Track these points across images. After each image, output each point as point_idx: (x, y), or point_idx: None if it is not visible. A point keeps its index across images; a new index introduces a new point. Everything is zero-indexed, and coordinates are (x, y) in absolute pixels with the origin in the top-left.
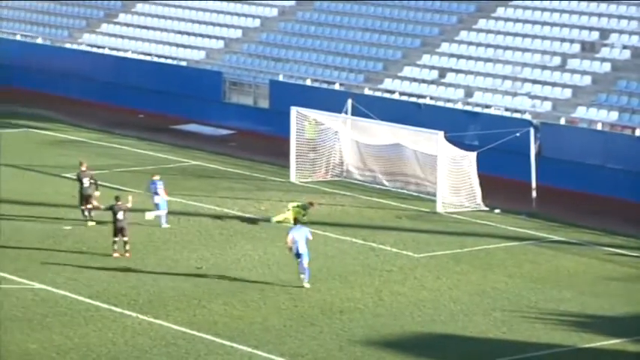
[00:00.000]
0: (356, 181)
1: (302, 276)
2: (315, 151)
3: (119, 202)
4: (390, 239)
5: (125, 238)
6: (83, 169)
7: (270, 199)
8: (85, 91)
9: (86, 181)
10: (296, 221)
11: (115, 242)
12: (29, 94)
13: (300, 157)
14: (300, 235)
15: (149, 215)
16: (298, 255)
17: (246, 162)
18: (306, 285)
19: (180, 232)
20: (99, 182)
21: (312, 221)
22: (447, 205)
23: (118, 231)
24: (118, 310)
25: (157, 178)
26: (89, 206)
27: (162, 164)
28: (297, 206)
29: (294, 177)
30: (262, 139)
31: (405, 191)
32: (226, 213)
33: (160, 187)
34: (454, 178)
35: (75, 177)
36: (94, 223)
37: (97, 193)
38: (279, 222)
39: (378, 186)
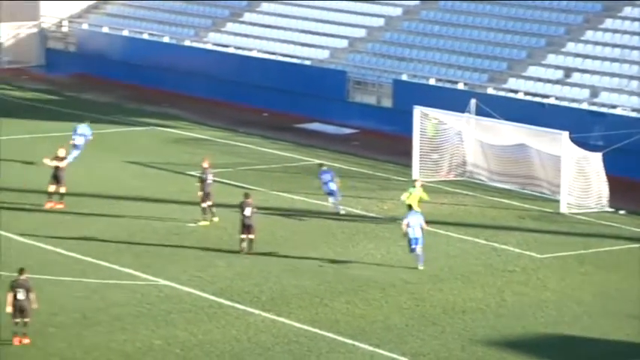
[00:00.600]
0: (478, 181)
1: (417, 263)
2: (438, 151)
3: (248, 199)
4: (512, 239)
5: (251, 236)
6: (205, 165)
7: (393, 199)
8: (210, 90)
9: (209, 178)
10: (410, 207)
11: (242, 240)
12: (155, 92)
13: (423, 156)
14: (415, 221)
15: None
16: (412, 240)
17: (369, 161)
18: (420, 267)
19: (303, 230)
20: (220, 180)
21: (433, 220)
22: (571, 206)
23: (245, 228)
24: (241, 307)
25: (325, 168)
26: (209, 203)
27: (286, 163)
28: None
29: (416, 176)
30: (385, 138)
31: (527, 191)
32: (349, 212)
33: (332, 176)
34: (578, 178)
35: (199, 174)
36: (217, 219)
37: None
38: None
39: (500, 186)
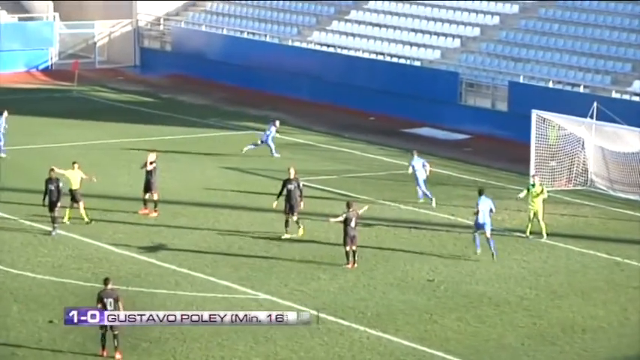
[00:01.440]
0: (600, 191)
1: (491, 250)
2: (556, 158)
3: (351, 209)
4: (636, 254)
5: (354, 247)
6: (292, 176)
7: (507, 209)
8: (313, 92)
9: (293, 188)
10: (480, 192)
11: (347, 253)
12: (256, 94)
13: (541, 163)
14: (484, 206)
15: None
16: (479, 225)
17: (482, 168)
18: (479, 251)
19: (411, 241)
20: (323, 188)
21: (552, 233)
22: None
23: (350, 240)
24: (345, 323)
25: (416, 154)
26: (295, 218)
27: (393, 170)
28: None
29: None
30: (500, 144)
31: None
32: (461, 222)
33: (424, 165)
34: None
35: (281, 184)
36: (301, 231)
37: (301, 205)
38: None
39: (624, 196)
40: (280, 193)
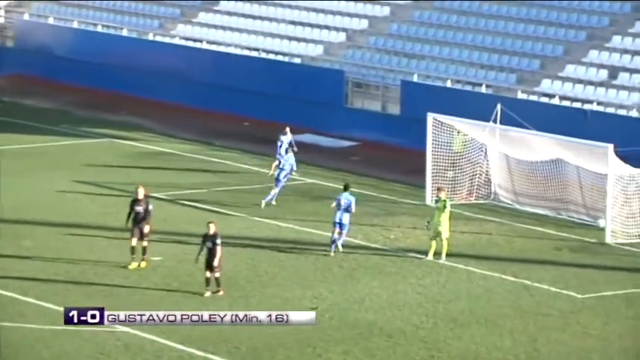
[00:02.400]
0: (506, 205)
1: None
2: (456, 167)
3: (212, 229)
4: (547, 276)
5: (217, 275)
6: (140, 196)
7: (401, 226)
8: (178, 94)
9: (140, 210)
10: (345, 188)
11: (207, 279)
12: (112, 97)
13: (438, 174)
14: (344, 202)
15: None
16: (336, 223)
17: (372, 180)
18: (333, 250)
19: (292, 264)
20: (190, 204)
21: (452, 253)
22: (619, 235)
23: (211, 263)
24: (217, 359)
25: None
26: (144, 244)
27: (271, 182)
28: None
29: (430, 199)
30: (392, 152)
31: (565, 217)
32: (348, 242)
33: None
34: (627, 202)
35: (129, 203)
36: (144, 264)
37: (146, 228)
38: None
39: (532, 210)
40: (129, 215)
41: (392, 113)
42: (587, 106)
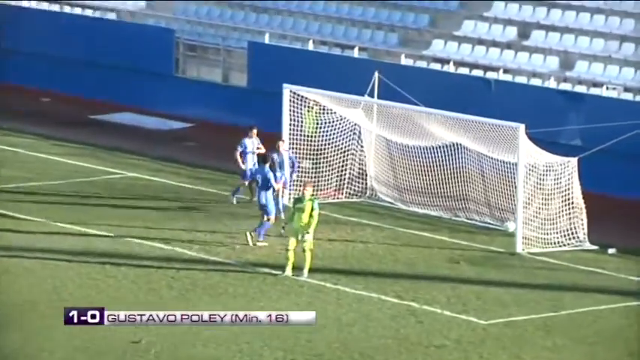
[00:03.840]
0: (386, 204)
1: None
2: (319, 156)
3: None
4: (440, 297)
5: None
6: None
7: (248, 231)
8: None
9: None
10: (264, 160)
11: None
12: None
13: (299, 164)
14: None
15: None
16: (262, 206)
17: (211, 172)
18: (251, 237)
19: (105, 284)
20: None
21: (317, 267)
22: (532, 243)
23: None
24: None
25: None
26: None
27: (77, 177)
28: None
29: (286, 197)
30: (237, 135)
31: (464, 220)
32: (180, 255)
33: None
34: (543, 199)
35: None
36: None
37: None
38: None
39: (421, 211)
40: None
41: (236, 85)
42: (490, 75)
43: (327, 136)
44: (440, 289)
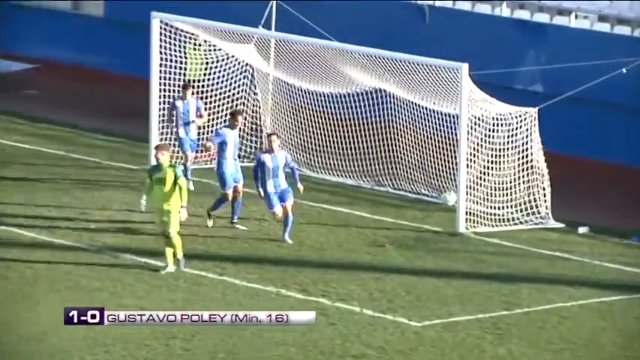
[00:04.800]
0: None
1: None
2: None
3: None
4: (360, 291)
5: None
6: None
7: (107, 208)
8: None
9: None
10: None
11: None
12: None
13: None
14: (280, 158)
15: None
16: (277, 194)
17: (56, 129)
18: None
19: None
20: None
21: (196, 254)
22: (479, 220)
23: None
24: None
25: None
26: None
27: None
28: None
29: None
30: (89, 80)
31: (390, 190)
32: (16, 237)
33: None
34: (493, 162)
35: None
36: None
37: None
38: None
39: (335, 180)
40: None
41: (88, 14)
42: (425, 1)
43: (209, 80)
44: (359, 281)
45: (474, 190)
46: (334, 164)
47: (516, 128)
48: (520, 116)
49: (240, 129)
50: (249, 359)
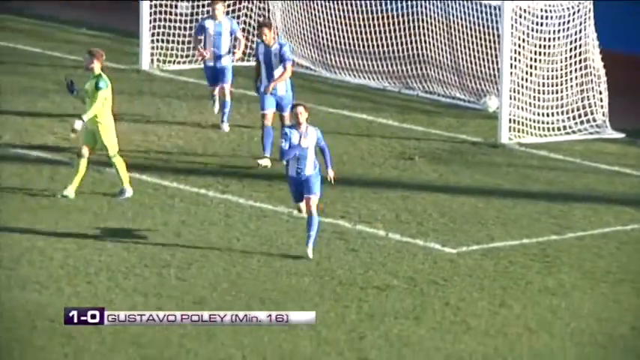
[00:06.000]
0: (301, 69)
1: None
2: None
3: None
4: (385, 211)
5: None
6: None
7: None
8: None
9: None
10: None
11: None
12: None
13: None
14: (310, 140)
15: None
16: (296, 183)
17: (28, 22)
18: (311, 247)
19: None
20: None
21: (197, 170)
22: (524, 129)
23: None
24: None
25: None
26: None
27: None
28: None
29: (147, 63)
30: None
31: (421, 94)
32: None
33: None
34: (540, 61)
35: None
36: None
37: None
38: None
39: (354, 81)
40: None
41: None
42: None
43: None
44: (384, 200)
45: (518, 93)
46: (355, 64)
47: (568, 22)
48: (572, 7)
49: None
50: (256, 292)
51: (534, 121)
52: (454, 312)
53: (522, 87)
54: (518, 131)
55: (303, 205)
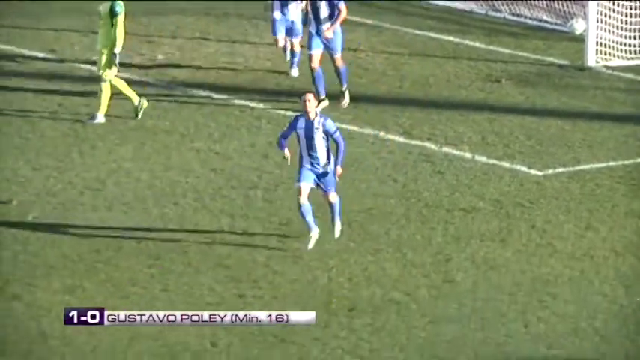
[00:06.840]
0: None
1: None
2: None
3: None
4: (471, 134)
5: None
6: None
7: (176, 36)
8: None
9: None
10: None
11: None
12: None
13: None
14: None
15: None
16: (313, 171)
17: None
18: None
19: None
20: None
21: (276, 89)
22: (611, 52)
23: None
24: None
25: None
26: None
27: None
28: None
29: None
30: None
31: (508, 16)
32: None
33: None
34: None
35: None
36: None
37: None
38: None
39: (441, 2)
40: None
41: None
42: None
43: None
44: (471, 122)
45: (605, 16)
46: None
47: None
48: None
49: None
50: (347, 213)
51: (621, 44)
52: (540, 235)
53: (610, 10)
54: (605, 54)
55: (305, 190)
